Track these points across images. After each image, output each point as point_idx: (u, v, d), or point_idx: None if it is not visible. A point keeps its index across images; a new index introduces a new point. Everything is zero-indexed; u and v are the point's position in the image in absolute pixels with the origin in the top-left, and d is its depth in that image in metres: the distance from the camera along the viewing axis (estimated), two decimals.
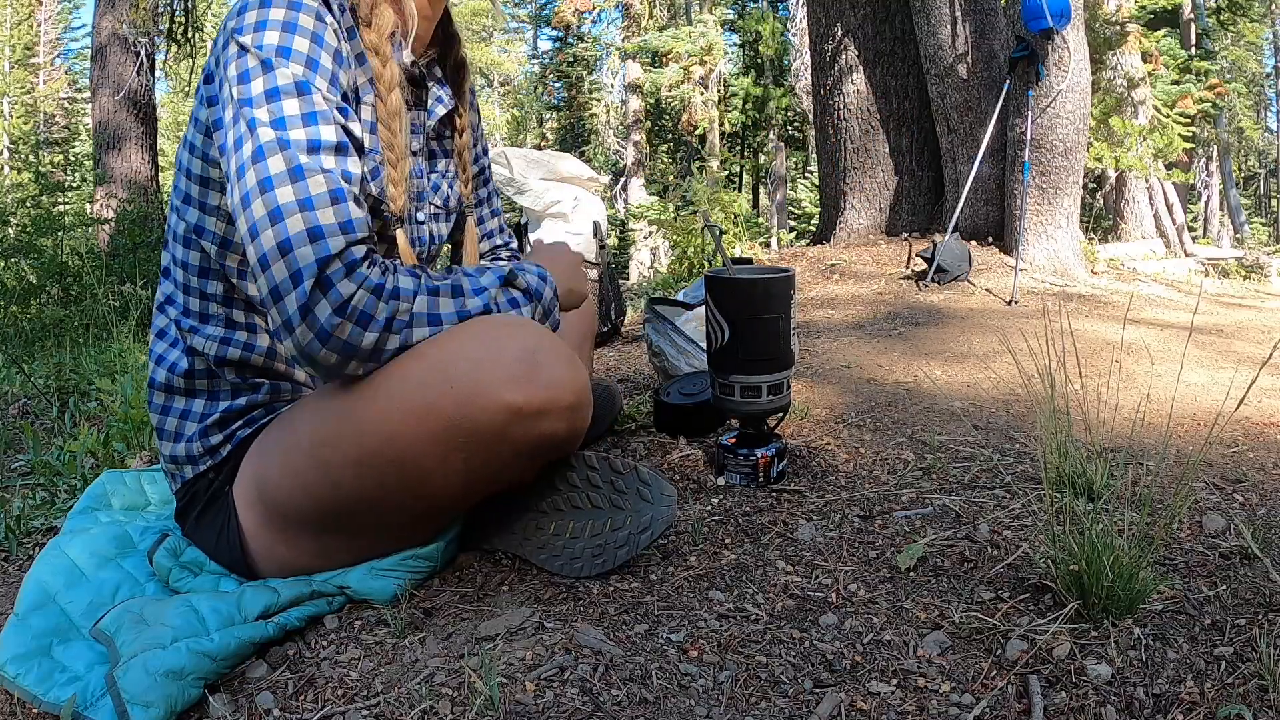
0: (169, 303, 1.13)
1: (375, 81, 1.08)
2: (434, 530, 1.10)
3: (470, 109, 1.31)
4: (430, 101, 1.22)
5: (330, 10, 1.02)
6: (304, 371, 1.14)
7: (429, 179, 1.24)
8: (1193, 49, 12.55)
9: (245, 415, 1.12)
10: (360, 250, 0.92)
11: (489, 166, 1.43)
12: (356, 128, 1.00)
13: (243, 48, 0.96)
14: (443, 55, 1.25)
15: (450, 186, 1.29)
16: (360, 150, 1.01)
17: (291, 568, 1.08)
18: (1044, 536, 1.10)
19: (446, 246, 1.36)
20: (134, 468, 1.64)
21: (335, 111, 0.97)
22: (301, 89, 0.95)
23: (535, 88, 21.65)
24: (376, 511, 1.02)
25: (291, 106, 0.94)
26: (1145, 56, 7.06)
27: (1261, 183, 24.52)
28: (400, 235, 1.11)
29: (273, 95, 0.94)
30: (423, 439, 0.94)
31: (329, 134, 0.95)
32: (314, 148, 0.93)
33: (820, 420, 1.79)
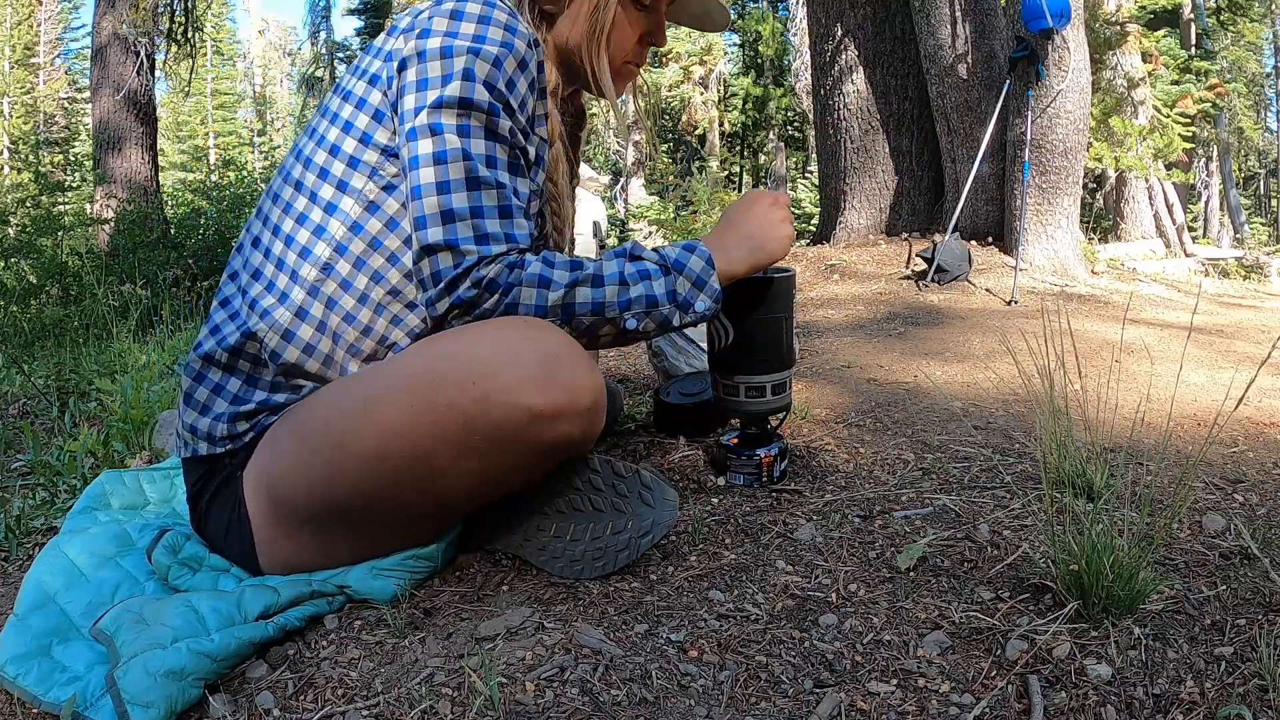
0: (254, 276, 1.10)
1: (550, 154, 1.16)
2: (439, 530, 1.10)
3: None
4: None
5: (534, 48, 1.09)
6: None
7: None
8: (1193, 49, 12.55)
9: (279, 410, 1.09)
10: (515, 256, 1.03)
11: None
12: (532, 153, 1.10)
13: (452, 50, 1.03)
14: (564, 101, 1.30)
15: None
16: (532, 175, 1.11)
17: (292, 564, 1.08)
18: (1044, 536, 1.10)
19: None
20: (134, 468, 1.64)
21: (519, 135, 1.06)
22: (493, 110, 1.03)
23: None
24: (387, 509, 1.02)
25: (479, 120, 1.03)
26: (1145, 56, 7.07)
27: (1261, 183, 24.52)
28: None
29: (466, 104, 1.02)
30: (439, 436, 0.94)
31: (504, 154, 1.04)
32: (492, 163, 1.03)
33: (820, 420, 1.79)
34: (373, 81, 1.07)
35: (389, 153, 1.06)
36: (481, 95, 1.02)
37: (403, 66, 1.05)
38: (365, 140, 1.06)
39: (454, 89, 1.02)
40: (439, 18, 1.05)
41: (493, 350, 0.94)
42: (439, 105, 1.02)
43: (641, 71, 1.33)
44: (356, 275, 1.07)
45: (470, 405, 0.92)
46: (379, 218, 1.07)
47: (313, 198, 1.08)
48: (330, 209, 1.07)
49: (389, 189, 1.07)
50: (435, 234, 1.01)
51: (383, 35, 1.11)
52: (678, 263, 1.10)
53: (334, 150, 1.08)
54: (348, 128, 1.07)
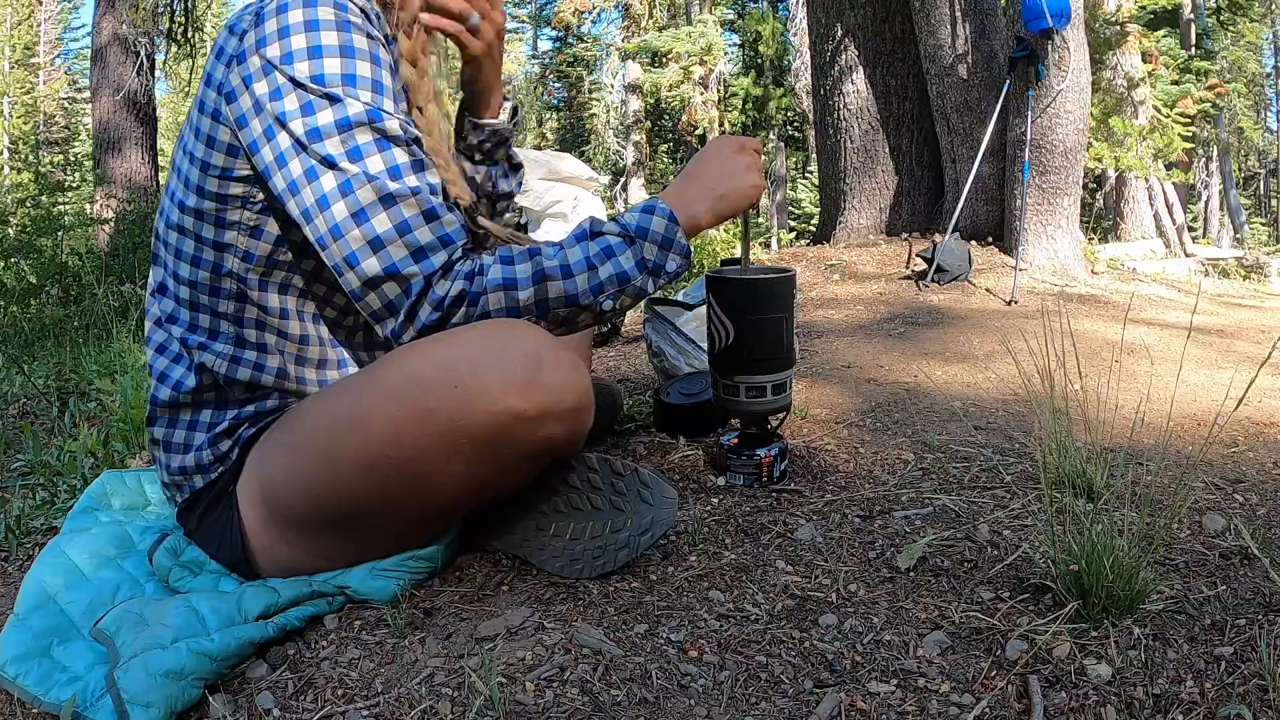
0: (171, 320, 1.10)
1: (411, 92, 1.09)
2: (435, 533, 1.10)
3: None
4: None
5: (370, 21, 1.01)
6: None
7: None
8: (1193, 49, 12.55)
9: (256, 422, 1.10)
10: (466, 263, 0.99)
11: None
12: (424, 137, 1.04)
13: (295, 81, 0.94)
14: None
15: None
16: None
17: (291, 568, 1.08)
18: (1044, 536, 1.10)
19: None
20: (134, 468, 1.64)
21: (407, 128, 1.00)
22: (373, 117, 0.96)
23: (535, 88, 21.66)
24: (378, 514, 1.02)
25: (364, 135, 0.95)
26: (1145, 56, 7.06)
27: (1261, 183, 24.52)
28: (484, 220, 1.19)
29: (343, 126, 0.95)
30: (425, 442, 0.94)
31: (403, 156, 0.97)
32: (395, 174, 0.96)
33: (820, 420, 1.79)
34: (215, 115, 1.00)
35: (251, 180, 1.02)
36: (355, 109, 0.94)
37: (232, 98, 0.98)
38: (227, 175, 1.02)
39: (324, 117, 0.94)
40: (269, 39, 0.95)
41: (475, 353, 0.94)
42: (318, 139, 0.94)
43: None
44: (268, 295, 1.08)
45: (454, 409, 0.92)
46: (265, 240, 1.05)
47: (199, 239, 1.05)
48: (219, 245, 1.05)
49: (264, 211, 1.03)
50: (371, 265, 0.95)
51: (210, 54, 1.02)
52: (640, 229, 1.06)
53: (200, 190, 1.03)
54: (206, 167, 1.02)
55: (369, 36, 0.99)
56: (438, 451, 0.94)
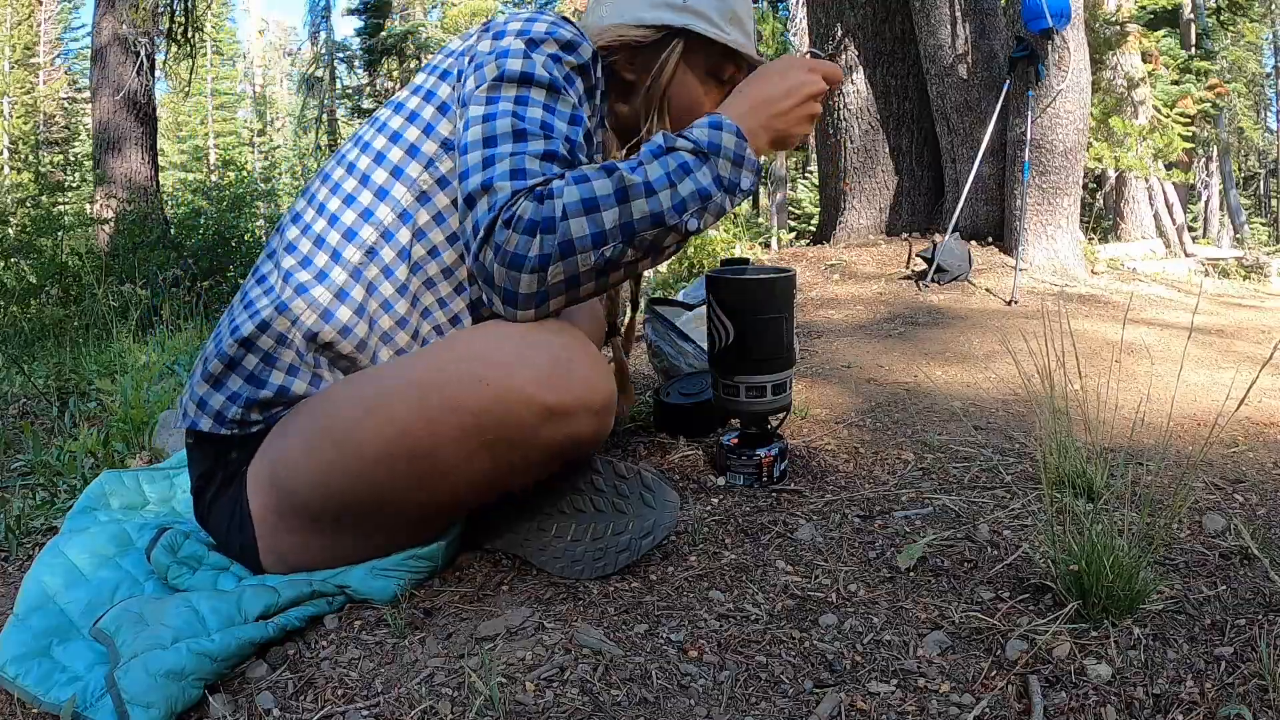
0: (288, 250, 1.09)
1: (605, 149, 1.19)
2: (443, 528, 1.10)
3: None
4: None
5: (596, 63, 1.12)
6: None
7: None
8: (1193, 49, 12.55)
9: (293, 404, 1.07)
10: (541, 186, 0.97)
11: None
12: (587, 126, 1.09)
13: (510, 51, 1.05)
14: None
15: None
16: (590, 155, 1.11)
17: (294, 561, 1.07)
18: (1044, 536, 1.10)
19: None
20: (134, 468, 1.64)
21: (575, 119, 1.05)
22: (555, 85, 1.04)
23: None
24: (393, 505, 1.01)
25: (539, 94, 1.03)
26: (1145, 56, 7.06)
27: (1261, 183, 24.52)
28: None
29: (527, 79, 1.03)
30: (452, 434, 0.94)
31: (561, 124, 1.03)
32: (548, 125, 1.01)
33: (820, 420, 1.79)
34: (443, 76, 1.09)
35: (448, 146, 1.06)
36: (542, 73, 1.03)
37: (475, 62, 1.07)
38: (427, 131, 1.07)
39: (514, 64, 1.03)
40: (514, 22, 1.08)
41: (504, 349, 0.94)
42: (499, 79, 1.02)
43: None
44: (399, 264, 1.07)
45: (482, 403, 0.92)
46: (428, 209, 1.07)
47: (364, 180, 1.08)
48: (381, 194, 1.07)
49: (442, 183, 1.06)
50: (474, 181, 0.97)
51: (458, 39, 1.14)
52: (712, 145, 1.01)
53: (394, 137, 1.08)
54: (413, 117, 1.08)
55: (592, 59, 1.10)
56: (460, 445, 0.94)
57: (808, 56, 1.13)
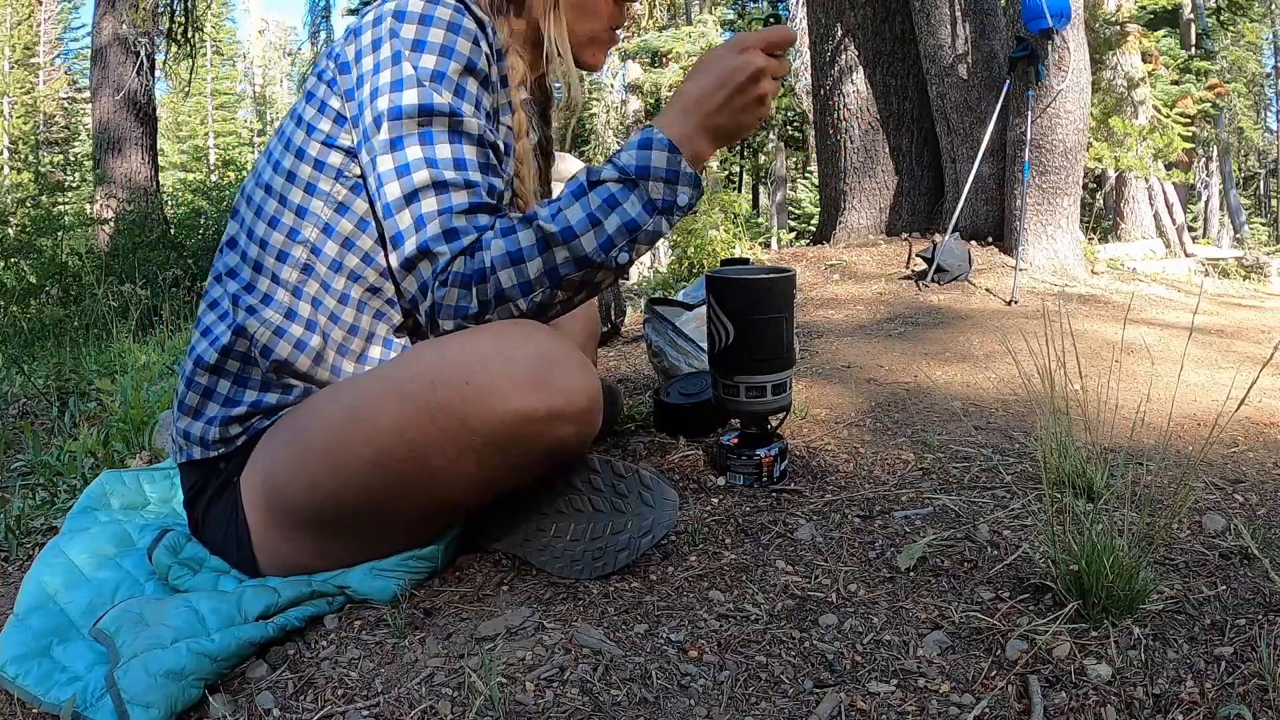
0: (231, 275, 1.10)
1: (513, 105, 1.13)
2: (438, 531, 1.10)
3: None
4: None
5: (485, 35, 1.06)
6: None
7: None
8: (1193, 49, 12.55)
9: (271, 414, 1.09)
10: (470, 240, 0.98)
11: None
12: (500, 150, 1.07)
13: (395, 59, 1.00)
14: (539, 87, 1.28)
15: None
16: (503, 170, 1.07)
17: (293, 566, 1.08)
18: (1044, 536, 1.10)
19: None
20: (134, 467, 1.64)
21: (485, 133, 1.03)
22: (454, 110, 1.00)
23: None
24: (384, 511, 1.02)
25: (441, 125, 1.00)
26: (1145, 56, 7.06)
27: (1261, 183, 24.52)
28: None
29: (425, 110, 0.99)
30: (435, 440, 0.94)
31: (472, 153, 1.01)
32: (461, 165, 1.00)
33: (820, 420, 1.79)
34: (330, 84, 1.06)
35: (352, 154, 1.05)
36: (438, 100, 0.99)
37: (344, 69, 1.04)
38: (329, 143, 1.05)
39: (409, 97, 0.99)
40: (385, 20, 1.02)
41: (486, 353, 0.94)
42: (397, 117, 0.99)
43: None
44: (335, 276, 1.07)
45: (465, 408, 0.92)
46: (349, 218, 1.06)
47: (283, 201, 1.07)
48: (301, 212, 1.06)
49: (356, 189, 1.06)
50: (409, 246, 0.98)
51: (339, 38, 1.11)
52: (640, 169, 0.98)
53: (300, 153, 1.07)
54: (311, 130, 1.06)
55: (474, 44, 1.03)
56: (446, 449, 0.94)
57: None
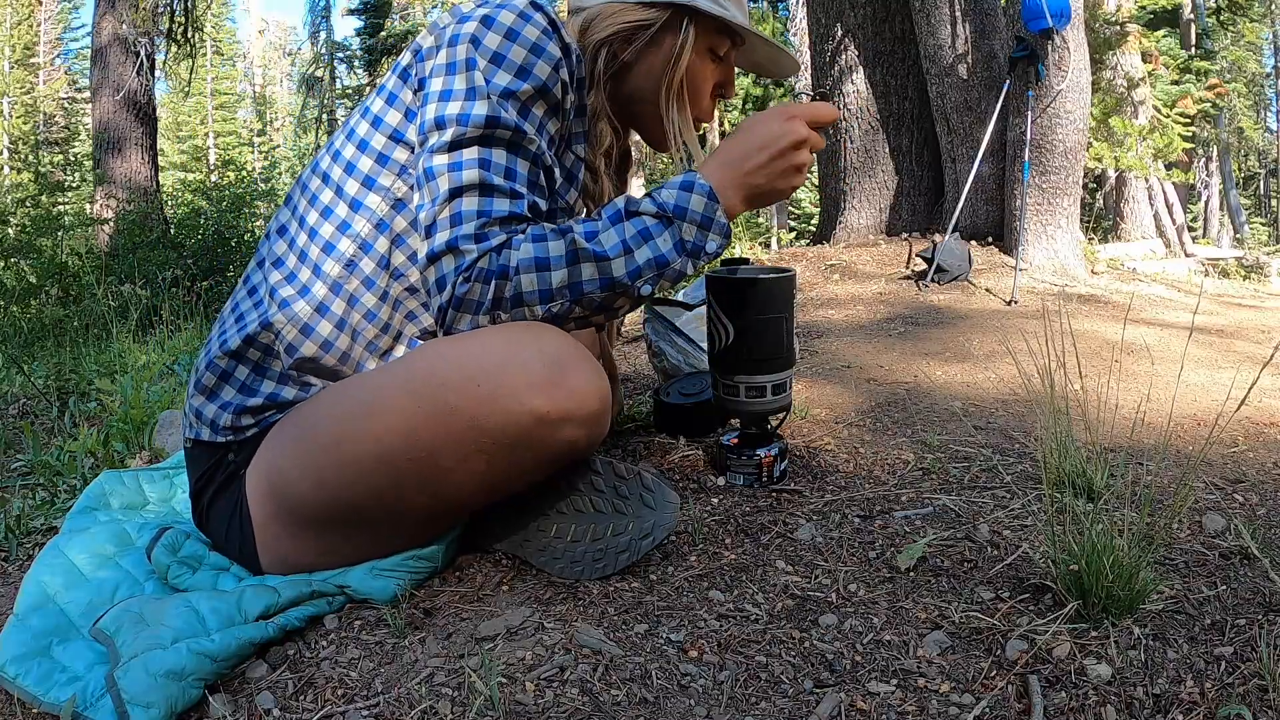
0: (274, 264, 1.10)
1: (585, 195, 1.16)
2: (442, 531, 1.10)
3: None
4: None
5: (569, 61, 1.06)
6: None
7: None
8: (1193, 49, 12.56)
9: (286, 409, 1.08)
10: (501, 239, 0.98)
11: None
12: (565, 169, 1.08)
13: (470, 64, 1.01)
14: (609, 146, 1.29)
15: None
16: (551, 194, 1.08)
17: (295, 563, 1.08)
18: (1044, 536, 1.10)
19: None
20: (134, 467, 1.64)
21: (542, 155, 1.04)
22: (518, 127, 1.01)
23: None
24: (390, 510, 1.01)
25: (502, 138, 1.01)
26: (1145, 56, 7.07)
27: (1261, 183, 24.52)
28: None
29: (491, 122, 1.00)
30: (445, 439, 0.94)
31: (524, 167, 1.02)
32: (511, 175, 1.01)
33: (820, 420, 1.79)
34: (403, 77, 1.07)
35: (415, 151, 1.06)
36: (508, 115, 1.00)
37: (420, 59, 1.05)
38: (395, 137, 1.06)
39: (480, 108, 0.99)
40: (470, 22, 1.03)
41: (497, 353, 0.94)
42: (464, 124, 0.99)
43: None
44: (380, 273, 1.07)
45: (475, 408, 0.92)
46: (405, 215, 1.06)
47: (339, 192, 1.07)
48: (356, 205, 1.07)
49: (416, 188, 1.06)
50: (440, 239, 0.98)
51: (424, 30, 1.10)
52: (678, 208, 1.02)
53: (363, 145, 1.07)
54: (377, 123, 1.07)
55: (554, 69, 1.04)
56: (457, 449, 0.94)
57: (802, 99, 1.14)
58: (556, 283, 0.98)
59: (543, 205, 1.05)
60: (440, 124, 1.01)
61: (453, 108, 1.00)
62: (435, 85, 1.02)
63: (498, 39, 1.01)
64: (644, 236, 1.01)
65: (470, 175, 0.99)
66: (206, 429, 1.09)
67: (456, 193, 0.99)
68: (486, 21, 1.02)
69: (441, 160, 1.00)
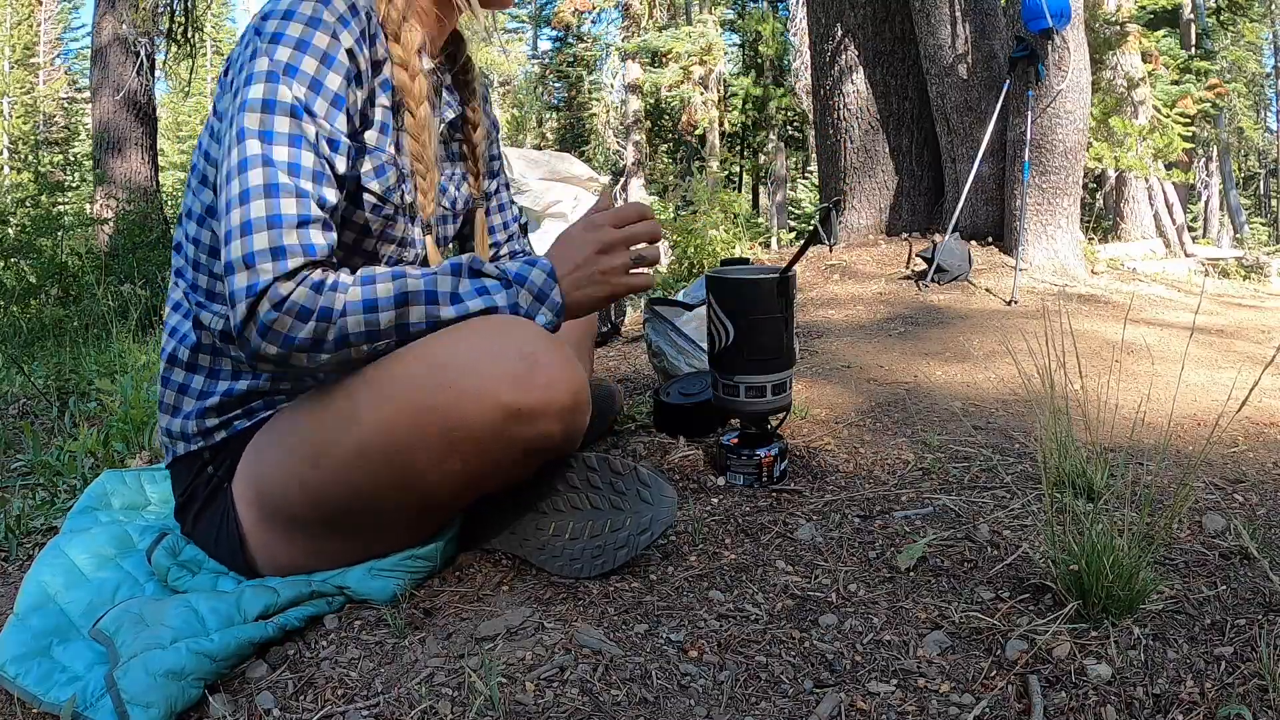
0: (180, 275, 1.12)
1: (404, 94, 1.09)
2: (431, 530, 1.10)
3: (483, 104, 1.32)
4: (440, 107, 1.22)
5: (356, 15, 1.03)
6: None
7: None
8: (1193, 49, 12.56)
9: (244, 404, 1.11)
10: (316, 273, 0.95)
11: (501, 168, 1.43)
12: (341, 164, 1.02)
13: (256, 51, 0.98)
14: (450, 57, 1.26)
15: (458, 189, 1.30)
16: (341, 185, 1.02)
17: (289, 567, 1.08)
18: (1044, 536, 1.10)
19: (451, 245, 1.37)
20: (134, 467, 1.64)
21: (325, 143, 0.99)
22: (295, 111, 0.96)
23: (535, 88, 21.65)
24: (374, 511, 1.02)
25: (283, 124, 0.96)
26: (1145, 56, 7.07)
27: (1261, 183, 24.52)
28: (429, 240, 1.17)
29: (269, 107, 0.96)
30: (420, 438, 0.94)
31: (309, 159, 0.97)
32: (294, 170, 0.96)
33: (820, 420, 1.79)
34: (220, 82, 1.07)
35: None
36: (283, 96, 0.96)
37: (229, 64, 1.04)
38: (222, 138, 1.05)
39: (256, 91, 0.96)
40: (256, 17, 1.01)
41: (469, 349, 0.94)
42: (243, 109, 0.96)
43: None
44: None
45: (448, 405, 0.93)
46: None
47: (201, 199, 1.08)
48: (214, 212, 1.06)
49: None
50: (235, 249, 0.93)
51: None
52: (519, 276, 1.02)
53: (206, 155, 1.07)
54: (213, 132, 1.06)
55: (333, 37, 1.00)
56: (432, 447, 0.94)
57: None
58: (384, 324, 0.96)
59: (330, 198, 1.00)
60: (229, 118, 1.00)
61: (239, 99, 0.99)
62: (229, 78, 1.03)
63: (275, 22, 1.00)
64: (480, 292, 1.00)
65: (255, 175, 0.96)
66: (180, 443, 1.12)
67: (244, 196, 0.96)
68: (266, 14, 1.02)
69: (233, 157, 0.97)
